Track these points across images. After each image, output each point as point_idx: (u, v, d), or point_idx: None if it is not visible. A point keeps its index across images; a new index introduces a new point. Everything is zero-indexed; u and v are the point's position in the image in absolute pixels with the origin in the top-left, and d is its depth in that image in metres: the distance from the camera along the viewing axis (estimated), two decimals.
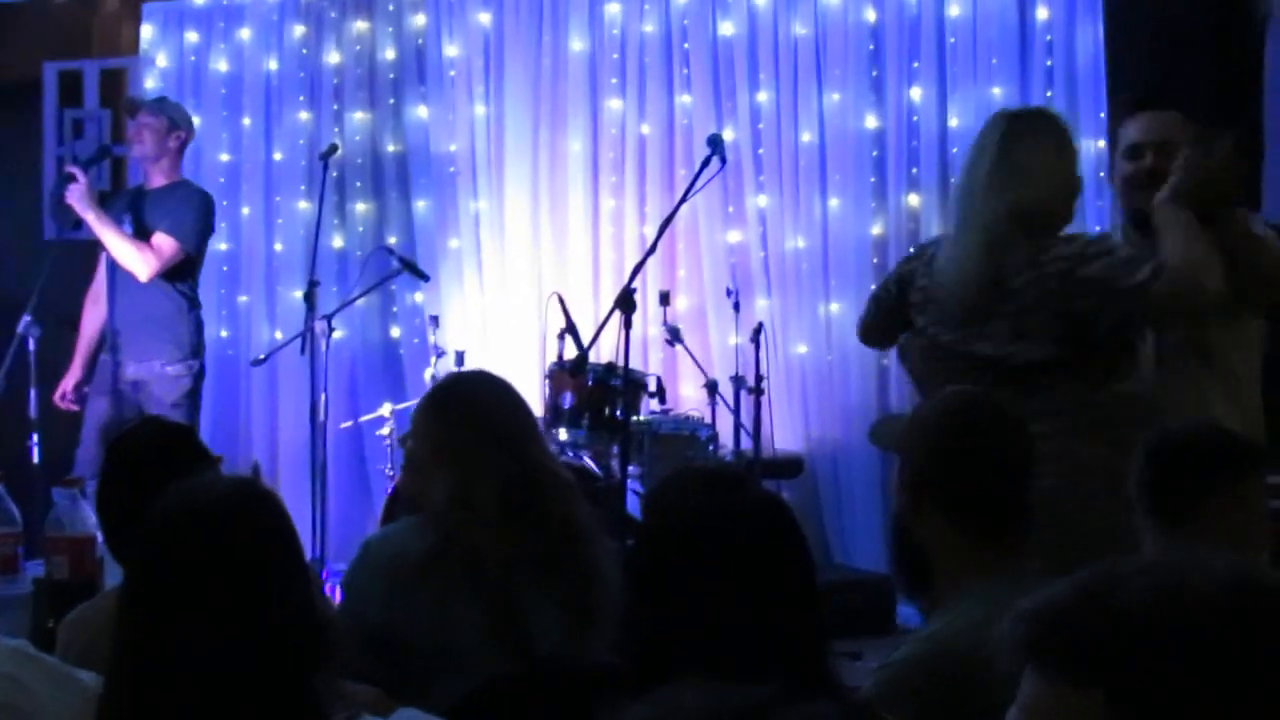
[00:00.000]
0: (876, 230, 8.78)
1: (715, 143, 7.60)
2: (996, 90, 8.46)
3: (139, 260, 7.67)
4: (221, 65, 9.97)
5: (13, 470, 5.15)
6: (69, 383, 8.06)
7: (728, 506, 2.73)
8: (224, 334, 9.87)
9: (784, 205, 8.94)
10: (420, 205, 9.62)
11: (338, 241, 9.71)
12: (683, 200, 7.58)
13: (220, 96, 9.98)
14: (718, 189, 8.64)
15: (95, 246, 7.96)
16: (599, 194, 9.30)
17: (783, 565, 2.70)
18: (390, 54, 9.69)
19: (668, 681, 2.59)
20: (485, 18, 9.49)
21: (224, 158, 9.95)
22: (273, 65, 9.90)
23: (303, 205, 9.75)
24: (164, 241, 7.72)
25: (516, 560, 3.91)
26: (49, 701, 2.92)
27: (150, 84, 9.87)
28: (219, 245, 9.75)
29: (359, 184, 9.74)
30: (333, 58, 9.78)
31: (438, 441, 4.06)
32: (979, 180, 4.75)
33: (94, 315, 8.13)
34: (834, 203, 8.85)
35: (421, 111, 9.62)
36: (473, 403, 4.13)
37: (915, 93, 8.68)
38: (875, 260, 8.75)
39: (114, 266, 7.76)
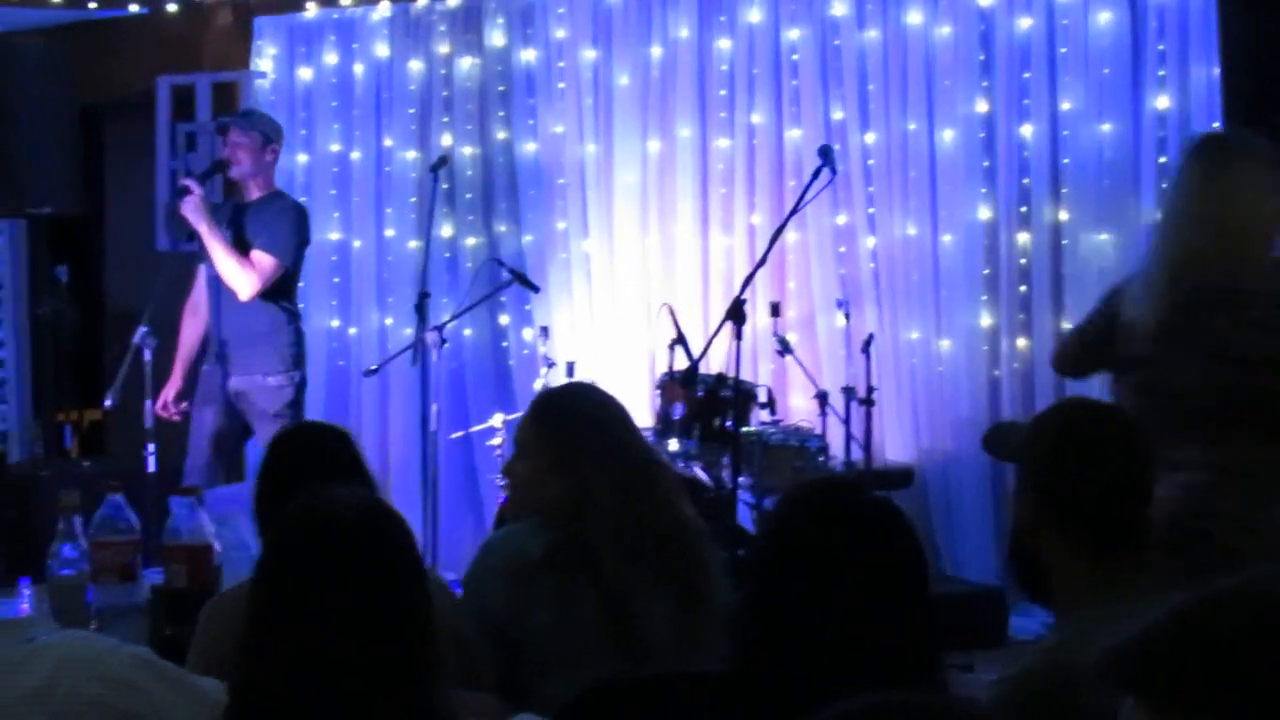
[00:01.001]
0: (985, 271, 8.73)
1: (826, 154, 7.59)
2: (1106, 127, 8.39)
3: (243, 279, 7.71)
4: (332, 79, 10.04)
5: (129, 479, 5.18)
6: (170, 392, 8.09)
7: (845, 513, 2.73)
8: (339, 326, 9.94)
9: (895, 219, 8.91)
10: (529, 217, 9.64)
11: (448, 253, 9.74)
12: (793, 211, 7.59)
13: (330, 110, 10.05)
14: (828, 200, 8.61)
15: (196, 260, 8.03)
16: (708, 204, 9.29)
17: (898, 572, 2.70)
18: (499, 69, 9.72)
19: (778, 690, 2.61)
20: (590, 54, 9.54)
21: (334, 170, 10.02)
22: (382, 80, 9.96)
23: (412, 217, 9.79)
24: (263, 259, 7.76)
25: (632, 554, 4.04)
26: (170, 708, 2.93)
27: (261, 98, 9.95)
28: (330, 257, 9.84)
29: (469, 195, 9.76)
30: (442, 72, 9.82)
31: (549, 453, 4.17)
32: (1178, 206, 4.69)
33: (193, 325, 8.19)
34: (946, 238, 8.81)
35: (530, 126, 9.64)
36: (577, 410, 4.29)
37: (1026, 130, 8.64)
38: (986, 272, 8.71)
39: (216, 278, 7.82)
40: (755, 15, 9.15)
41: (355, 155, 10.00)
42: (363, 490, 3.08)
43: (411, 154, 9.84)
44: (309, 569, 2.53)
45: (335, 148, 10.04)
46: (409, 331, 8.91)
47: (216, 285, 7.84)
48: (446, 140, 9.72)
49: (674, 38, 9.31)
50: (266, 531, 3.57)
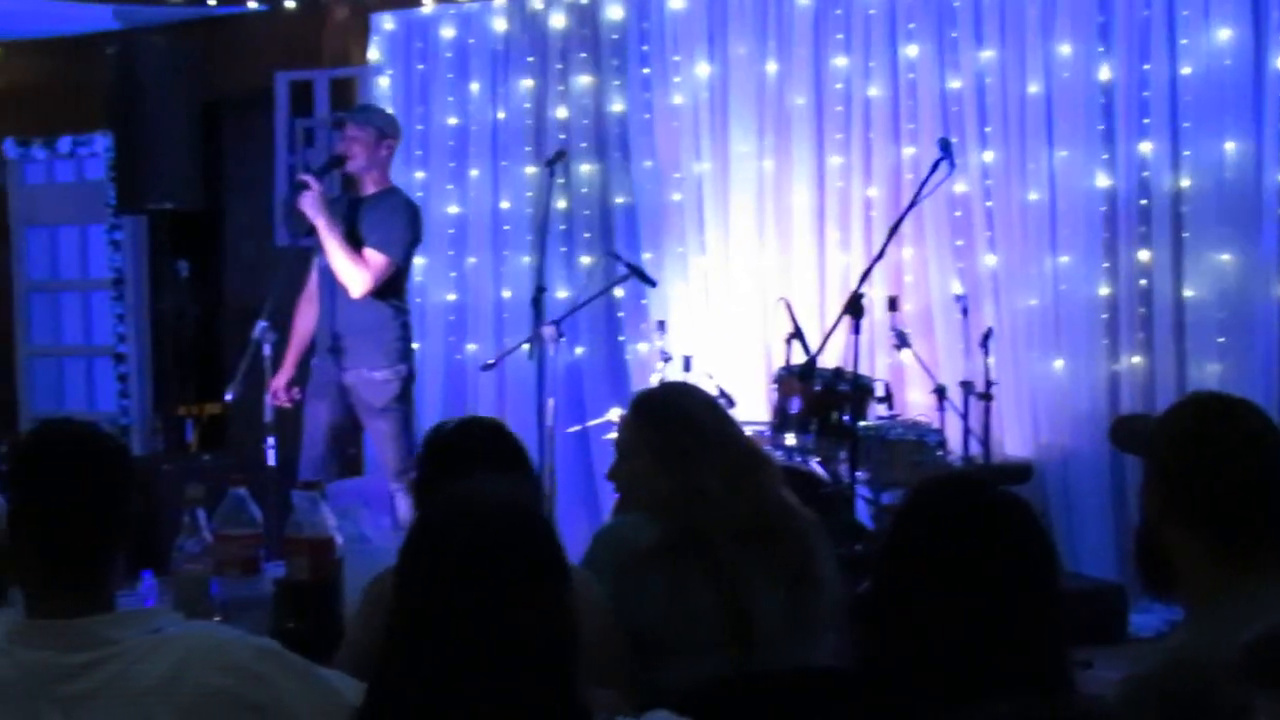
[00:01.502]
0: (1104, 291, 8.65)
1: (945, 146, 7.55)
2: (1229, 145, 8.30)
3: (355, 276, 7.75)
4: (449, 74, 10.05)
5: (249, 473, 5.23)
6: (281, 380, 8.13)
7: (974, 508, 2.71)
8: (458, 356, 9.98)
9: (1013, 261, 8.84)
10: (645, 226, 9.63)
11: (564, 247, 9.72)
12: (912, 205, 7.56)
13: (448, 104, 10.06)
14: (948, 242, 8.72)
15: (312, 253, 8.08)
16: (824, 199, 9.24)
17: (1027, 569, 2.67)
18: (618, 106, 9.71)
19: (902, 687, 2.59)
20: (704, 70, 9.48)
21: (450, 164, 10.04)
22: (501, 85, 9.96)
23: (528, 211, 9.81)
24: (375, 258, 7.80)
25: (744, 542, 4.13)
26: (295, 700, 2.95)
27: (378, 94, 9.99)
28: (450, 272, 9.85)
29: (586, 212, 9.76)
30: (560, 86, 9.82)
31: (654, 451, 4.30)
32: None
33: (307, 317, 8.24)
34: (1064, 260, 8.71)
35: (647, 128, 9.64)
36: (677, 408, 4.41)
37: (1145, 147, 8.55)
38: (1105, 317, 8.65)
39: (329, 272, 7.87)
40: (873, 61, 9.11)
41: (472, 148, 10.02)
42: (509, 482, 3.07)
43: (529, 169, 9.86)
44: (449, 559, 2.52)
45: (451, 142, 10.05)
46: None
47: (329, 278, 7.88)
48: (561, 180, 9.61)
49: (790, 76, 9.25)
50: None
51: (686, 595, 4.07)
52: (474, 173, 9.99)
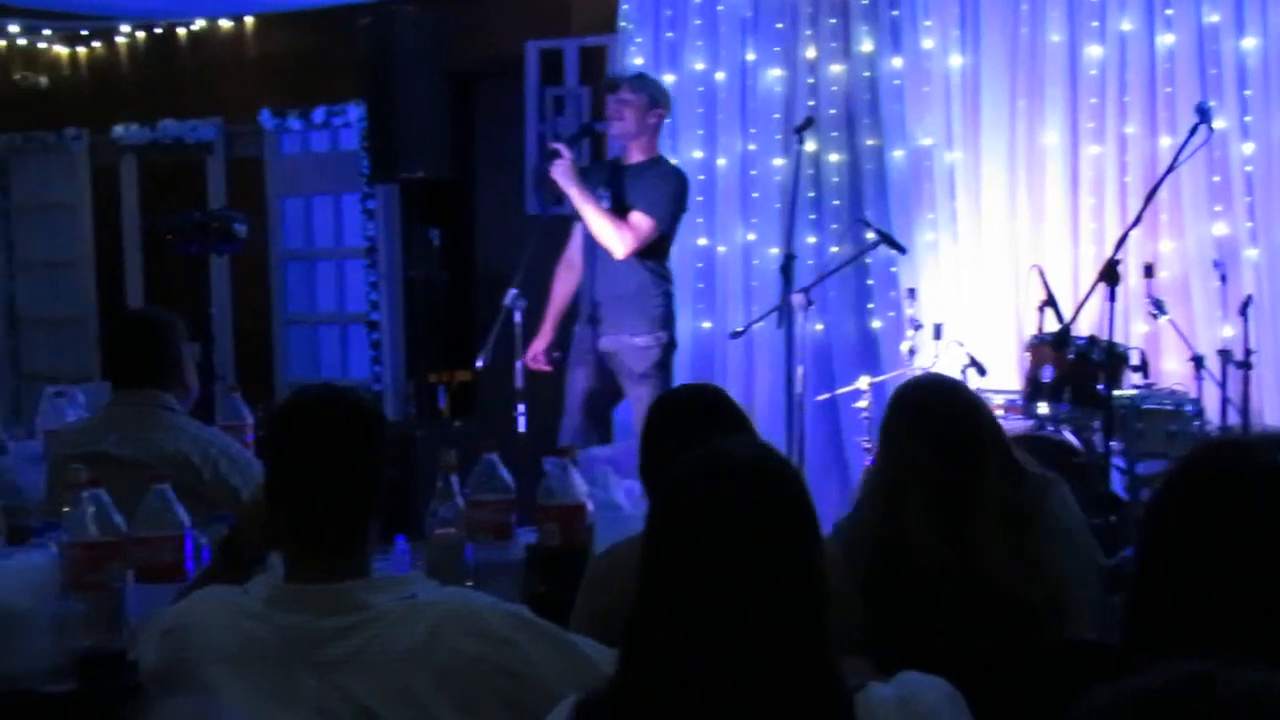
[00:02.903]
0: None
1: (1203, 112, 7.39)
2: None
3: (616, 238, 7.80)
4: (697, 41, 10.00)
5: (500, 439, 5.26)
6: (539, 345, 8.24)
7: (1250, 475, 2.62)
8: (706, 325, 9.96)
9: (1273, 227, 8.62)
10: (895, 193, 9.51)
11: (812, 260, 9.46)
12: (1169, 171, 7.41)
13: (696, 72, 10.02)
14: (1206, 207, 8.57)
15: (572, 220, 8.11)
16: (1078, 163, 9.08)
17: None
18: (867, 72, 9.60)
19: (1155, 654, 2.52)
20: (955, 34, 9.34)
21: (699, 132, 10.01)
22: (750, 52, 9.90)
23: (776, 206, 9.75)
24: (641, 221, 7.84)
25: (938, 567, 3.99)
26: (546, 667, 2.97)
27: (630, 61, 9.98)
28: (699, 240, 9.82)
29: (836, 203, 9.65)
30: (809, 53, 9.73)
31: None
32: None
33: (566, 282, 8.31)
34: None
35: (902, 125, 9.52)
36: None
37: None
38: None
39: (591, 240, 7.91)
40: (1127, 24, 8.90)
41: (720, 116, 10.00)
42: (757, 440, 3.03)
43: (778, 136, 9.80)
44: (704, 519, 2.48)
45: (699, 110, 10.03)
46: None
47: (591, 246, 7.94)
48: (810, 147, 9.55)
49: (1044, 43, 9.11)
50: (654, 489, 3.56)
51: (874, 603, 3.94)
52: (722, 140, 9.94)
